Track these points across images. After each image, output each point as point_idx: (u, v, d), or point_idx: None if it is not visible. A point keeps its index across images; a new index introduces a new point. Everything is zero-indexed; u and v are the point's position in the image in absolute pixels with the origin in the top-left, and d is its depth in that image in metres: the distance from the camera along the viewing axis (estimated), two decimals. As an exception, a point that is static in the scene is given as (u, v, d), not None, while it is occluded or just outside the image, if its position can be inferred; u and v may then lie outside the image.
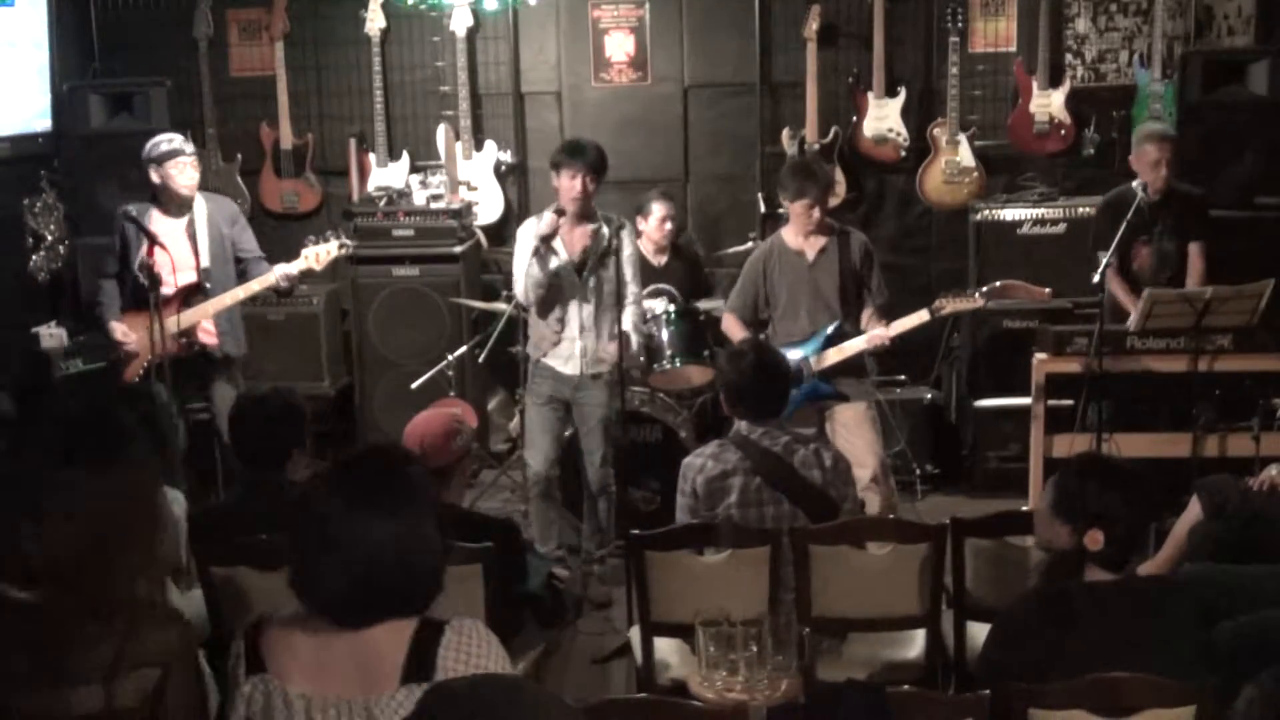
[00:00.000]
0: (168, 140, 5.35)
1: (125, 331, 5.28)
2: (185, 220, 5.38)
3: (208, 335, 5.40)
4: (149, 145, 5.35)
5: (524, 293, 5.15)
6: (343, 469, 2.23)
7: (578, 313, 5.13)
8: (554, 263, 5.07)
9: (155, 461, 2.31)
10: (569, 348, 5.17)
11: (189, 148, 5.38)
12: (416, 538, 2.16)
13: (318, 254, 5.37)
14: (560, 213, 5.04)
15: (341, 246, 5.44)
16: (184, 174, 5.32)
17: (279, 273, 5.38)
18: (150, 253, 5.06)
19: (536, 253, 5.03)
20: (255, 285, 5.37)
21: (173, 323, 5.18)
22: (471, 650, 2.15)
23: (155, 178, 5.32)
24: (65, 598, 2.10)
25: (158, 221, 5.31)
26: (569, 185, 5.04)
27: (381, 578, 2.12)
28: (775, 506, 3.77)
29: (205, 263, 5.37)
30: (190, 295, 5.31)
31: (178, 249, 5.24)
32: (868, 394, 5.31)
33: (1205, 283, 5.42)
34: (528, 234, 5.14)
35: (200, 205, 5.42)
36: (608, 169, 5.16)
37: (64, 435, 2.24)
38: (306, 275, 5.50)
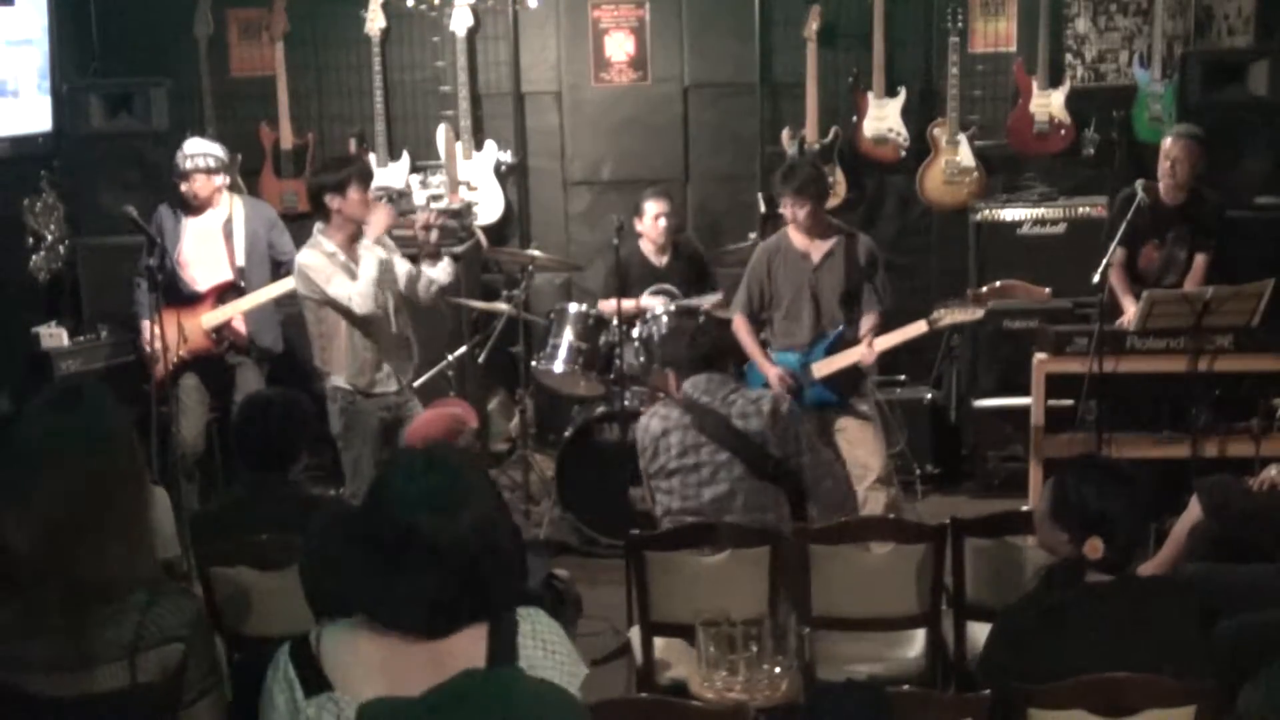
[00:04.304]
0: (190, 157, 5.49)
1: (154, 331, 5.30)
2: (222, 219, 5.51)
3: (239, 333, 5.48)
4: (177, 155, 5.54)
5: (371, 305, 4.66)
6: (402, 475, 2.03)
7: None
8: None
9: (137, 440, 2.32)
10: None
11: (206, 162, 5.47)
12: (498, 528, 2.04)
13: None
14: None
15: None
16: (202, 186, 5.48)
17: None
18: (179, 254, 5.36)
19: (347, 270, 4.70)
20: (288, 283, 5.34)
21: (207, 319, 5.40)
22: (548, 637, 2.07)
23: (180, 186, 5.52)
24: (60, 580, 2.12)
25: (190, 220, 5.51)
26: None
27: (476, 578, 1.98)
28: (711, 454, 4.01)
29: (240, 261, 5.47)
30: (224, 293, 5.44)
31: (212, 247, 5.45)
32: (868, 400, 5.30)
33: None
34: (322, 257, 4.68)
35: (238, 206, 5.55)
36: (372, 175, 4.96)
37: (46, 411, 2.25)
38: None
